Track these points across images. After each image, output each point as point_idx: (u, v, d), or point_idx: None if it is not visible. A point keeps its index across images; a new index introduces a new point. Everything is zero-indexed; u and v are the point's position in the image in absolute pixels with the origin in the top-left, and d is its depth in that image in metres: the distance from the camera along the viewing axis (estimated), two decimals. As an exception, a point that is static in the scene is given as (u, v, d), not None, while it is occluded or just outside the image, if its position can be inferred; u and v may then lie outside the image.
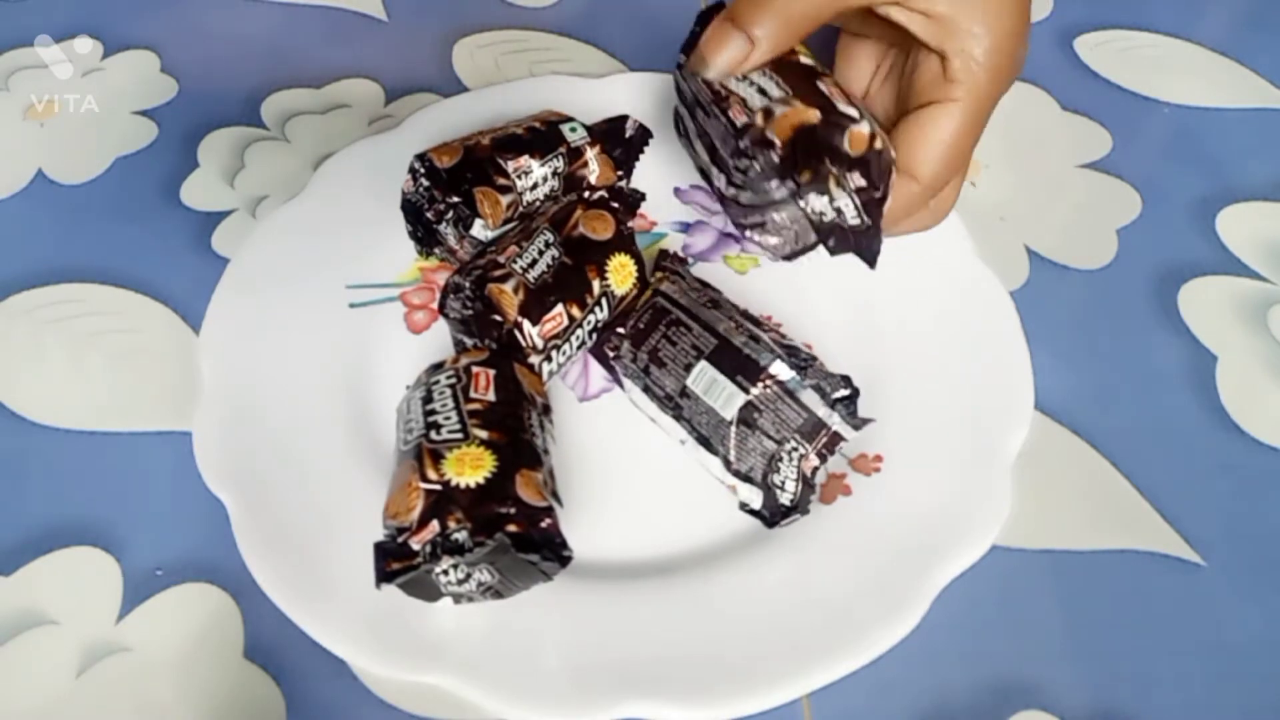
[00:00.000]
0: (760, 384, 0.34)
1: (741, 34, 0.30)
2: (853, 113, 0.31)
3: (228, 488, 0.33)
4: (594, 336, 0.38)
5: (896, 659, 0.30)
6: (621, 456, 0.37)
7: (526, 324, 0.35)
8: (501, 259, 0.35)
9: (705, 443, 0.35)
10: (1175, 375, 0.40)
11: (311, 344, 0.38)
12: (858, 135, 0.31)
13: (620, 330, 0.37)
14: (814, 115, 0.31)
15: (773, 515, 0.34)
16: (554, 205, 0.39)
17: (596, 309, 0.37)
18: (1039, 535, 0.35)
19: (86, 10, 0.55)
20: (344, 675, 0.32)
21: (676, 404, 0.35)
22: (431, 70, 0.52)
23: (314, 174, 0.44)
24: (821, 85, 0.32)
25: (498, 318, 0.35)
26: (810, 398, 0.34)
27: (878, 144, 0.31)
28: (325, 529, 0.33)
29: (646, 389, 0.36)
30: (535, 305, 0.35)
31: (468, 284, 0.35)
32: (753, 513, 0.34)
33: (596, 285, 0.37)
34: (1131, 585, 0.34)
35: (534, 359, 0.35)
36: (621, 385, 0.38)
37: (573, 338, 0.36)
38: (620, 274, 0.37)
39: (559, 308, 0.35)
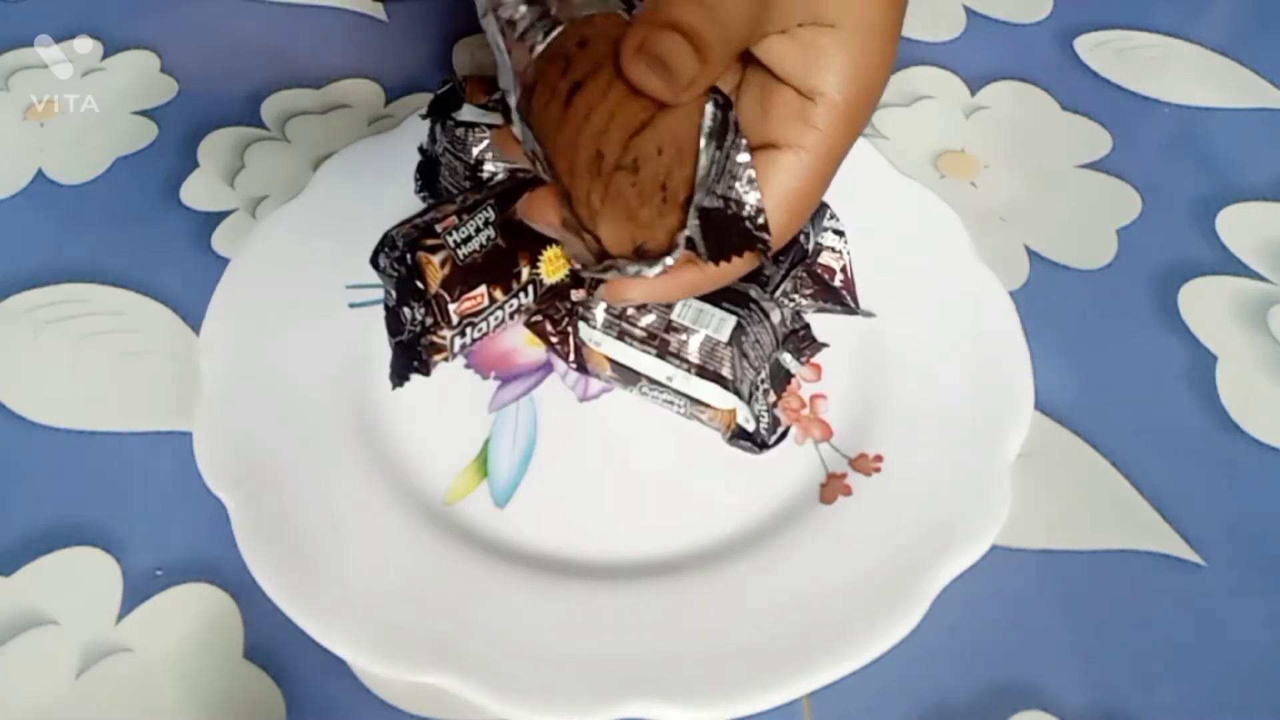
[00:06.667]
0: (744, 306, 0.35)
1: (691, 50, 0.24)
2: None
3: (228, 488, 0.33)
4: (514, 319, 0.38)
5: (896, 659, 0.30)
6: (621, 456, 0.37)
7: (446, 297, 0.35)
8: (439, 228, 0.35)
9: (701, 371, 0.35)
10: (1175, 375, 0.40)
11: (312, 344, 0.38)
12: None
13: (577, 295, 0.38)
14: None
15: (768, 434, 0.36)
16: (508, 180, 0.38)
17: (521, 294, 0.37)
18: (1039, 535, 0.35)
19: (86, 10, 0.56)
20: (344, 675, 0.32)
21: (661, 339, 0.35)
22: (431, 70, 0.52)
23: (314, 174, 0.44)
24: None
25: (420, 285, 0.35)
26: (777, 316, 0.36)
27: None
28: (325, 529, 0.33)
29: (622, 334, 0.36)
30: (458, 282, 0.35)
31: (400, 244, 0.35)
32: (747, 437, 0.36)
33: (525, 272, 0.37)
34: (1131, 585, 0.34)
35: (446, 333, 0.35)
36: (569, 360, 0.38)
37: (491, 318, 0.36)
38: (553, 265, 0.37)
39: (482, 288, 0.36)
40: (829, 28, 0.25)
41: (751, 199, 0.26)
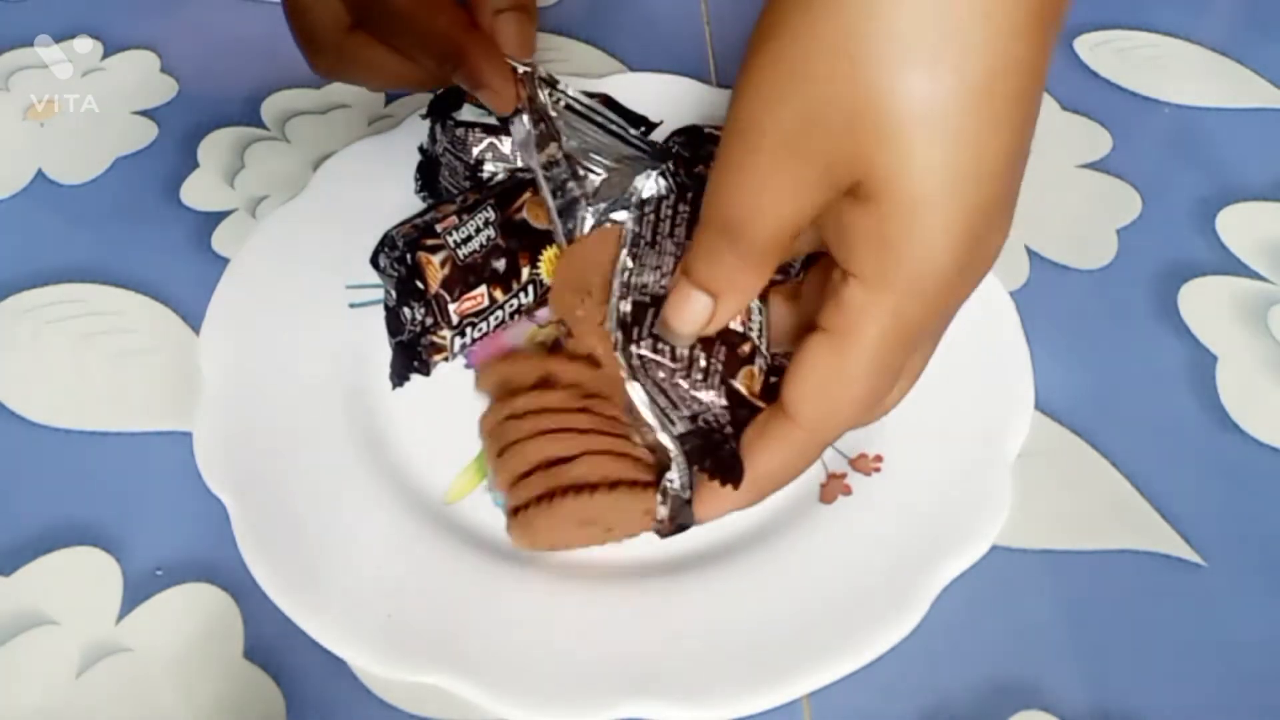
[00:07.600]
0: None
1: (702, 293, 0.26)
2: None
3: (228, 488, 0.33)
4: (514, 319, 0.38)
5: (896, 659, 0.30)
6: (621, 456, 0.37)
7: (446, 298, 0.35)
8: (439, 228, 0.35)
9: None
10: (1175, 375, 0.40)
11: (312, 344, 0.38)
12: None
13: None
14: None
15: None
16: (508, 180, 0.39)
17: (521, 295, 0.37)
18: (1039, 535, 0.35)
19: (86, 10, 0.56)
20: (344, 675, 0.32)
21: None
22: (431, 70, 0.52)
23: (314, 174, 0.44)
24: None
25: (420, 285, 0.35)
26: None
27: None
28: (325, 529, 0.33)
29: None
30: (458, 282, 0.35)
31: (400, 244, 0.35)
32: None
33: (525, 272, 0.37)
34: (1131, 585, 0.34)
35: (446, 333, 0.35)
36: None
37: (491, 318, 0.37)
38: (552, 265, 0.37)
39: (482, 288, 0.36)
40: (862, 201, 0.21)
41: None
